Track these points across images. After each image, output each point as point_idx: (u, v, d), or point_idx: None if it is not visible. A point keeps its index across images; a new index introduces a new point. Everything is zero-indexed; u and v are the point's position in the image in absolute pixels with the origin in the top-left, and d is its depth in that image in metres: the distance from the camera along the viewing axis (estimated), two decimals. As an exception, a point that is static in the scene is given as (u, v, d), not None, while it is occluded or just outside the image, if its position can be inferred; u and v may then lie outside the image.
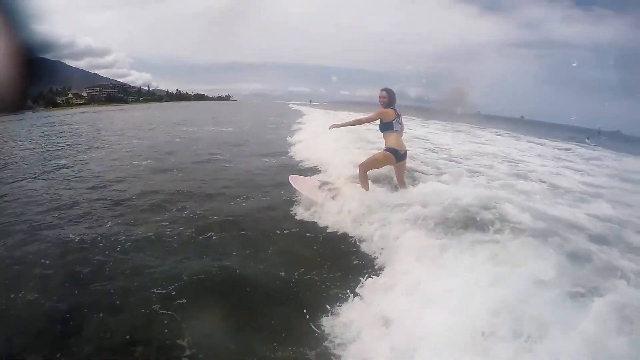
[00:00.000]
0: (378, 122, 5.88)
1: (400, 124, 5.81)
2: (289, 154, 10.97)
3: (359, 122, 5.89)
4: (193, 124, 24.96)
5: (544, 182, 8.43)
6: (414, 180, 6.83)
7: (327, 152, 9.67)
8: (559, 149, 19.90)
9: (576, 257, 3.87)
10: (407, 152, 5.94)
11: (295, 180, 6.32)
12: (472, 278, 3.16)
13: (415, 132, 17.61)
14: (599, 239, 4.71)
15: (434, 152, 11.24)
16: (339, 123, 6.34)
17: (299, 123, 22.24)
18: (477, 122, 48.87)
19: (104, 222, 5.59)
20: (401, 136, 5.78)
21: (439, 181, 6.80)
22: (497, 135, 24.72)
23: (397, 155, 5.75)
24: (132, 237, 5.02)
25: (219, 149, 12.59)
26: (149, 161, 10.25)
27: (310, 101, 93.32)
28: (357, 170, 6.06)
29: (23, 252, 4.51)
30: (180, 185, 7.47)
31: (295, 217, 5.71)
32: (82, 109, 74.14)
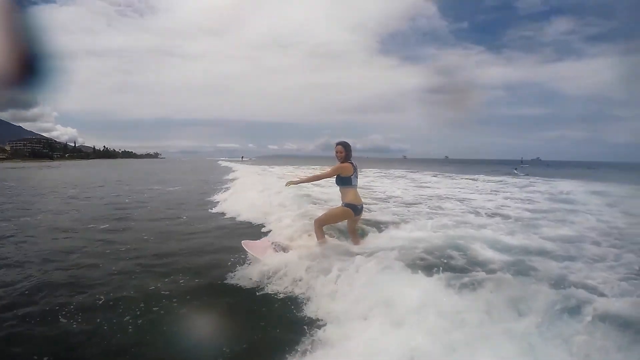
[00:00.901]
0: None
1: (357, 177, 5.94)
2: (231, 212, 10.77)
3: (317, 178, 6.07)
4: (137, 183, 23.97)
5: (496, 215, 9.12)
6: (378, 230, 7.05)
7: (269, 208, 9.73)
8: (493, 182, 21.77)
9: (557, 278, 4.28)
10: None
11: (248, 246, 6.18)
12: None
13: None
14: (566, 258, 5.25)
15: (385, 201, 11.77)
16: (296, 180, 6.42)
17: (232, 180, 22.39)
18: (407, 166, 52.49)
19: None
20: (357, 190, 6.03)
21: (400, 229, 7.09)
22: (433, 176, 26.39)
23: (355, 210, 5.82)
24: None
25: (178, 209, 12.22)
26: (107, 225, 9.55)
27: (242, 157, 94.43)
28: (302, 224, 6.24)
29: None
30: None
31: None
32: (5, 163, 67.75)
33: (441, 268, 4.50)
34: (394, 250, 5.12)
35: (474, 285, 3.99)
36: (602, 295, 3.97)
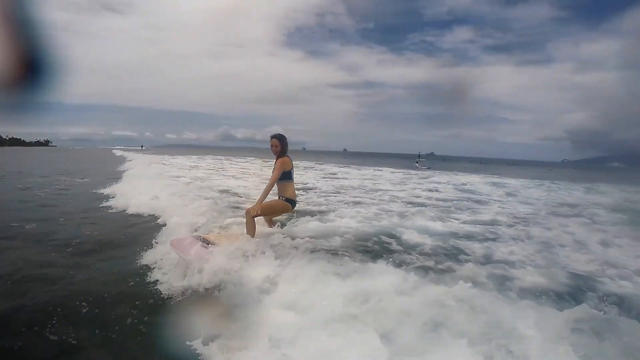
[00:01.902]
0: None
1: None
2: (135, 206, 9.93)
3: (271, 187, 5.76)
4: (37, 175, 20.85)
5: (412, 203, 9.96)
6: (309, 220, 7.19)
7: (175, 200, 9.29)
8: (399, 173, 23.47)
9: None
10: None
11: (176, 246, 5.80)
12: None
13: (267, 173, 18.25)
14: (487, 239, 6.09)
15: (304, 191, 12.02)
16: (258, 202, 5.92)
17: (133, 171, 20.47)
18: (308, 157, 53.92)
19: None
20: None
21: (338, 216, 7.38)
22: (342, 167, 27.47)
23: (293, 205, 5.93)
24: None
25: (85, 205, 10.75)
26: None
27: (142, 146, 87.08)
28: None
29: None
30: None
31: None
32: None
33: (381, 253, 4.95)
34: (331, 239, 5.43)
35: (407, 266, 4.47)
36: (521, 267, 4.77)
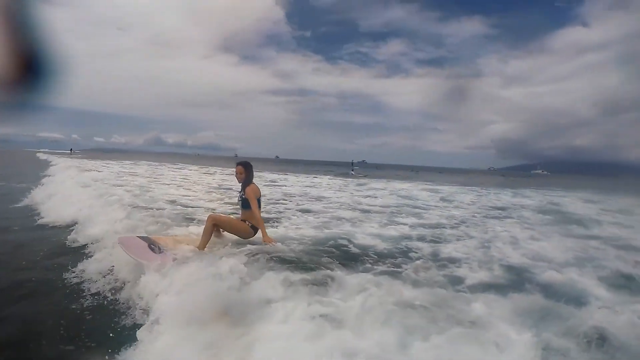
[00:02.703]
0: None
1: None
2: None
3: (259, 216, 5.84)
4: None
5: (357, 209, 10.65)
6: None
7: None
8: (339, 180, 24.40)
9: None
10: None
11: (126, 245, 5.52)
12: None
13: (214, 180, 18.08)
14: (434, 240, 6.91)
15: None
16: (264, 232, 5.79)
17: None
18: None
19: None
20: None
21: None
22: (277, 175, 27.90)
23: (255, 232, 5.93)
24: None
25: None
26: None
27: (71, 149, 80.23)
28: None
29: None
30: None
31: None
32: None
33: (342, 259, 5.37)
34: (291, 247, 5.74)
35: (367, 269, 4.99)
36: (466, 263, 5.51)
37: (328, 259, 5.22)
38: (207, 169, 32.54)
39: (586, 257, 6.22)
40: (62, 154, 58.60)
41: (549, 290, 4.45)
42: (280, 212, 9.57)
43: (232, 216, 6.55)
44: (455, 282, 4.65)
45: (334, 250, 5.84)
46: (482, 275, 4.99)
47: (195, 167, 34.20)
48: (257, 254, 5.02)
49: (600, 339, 3.13)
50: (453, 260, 5.61)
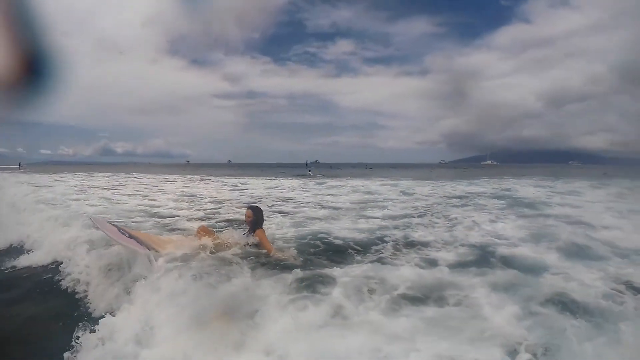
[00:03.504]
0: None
1: None
2: None
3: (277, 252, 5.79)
4: None
5: (326, 207, 11.23)
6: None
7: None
8: (297, 181, 25.04)
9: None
10: None
11: (98, 222, 5.88)
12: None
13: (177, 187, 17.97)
14: (405, 228, 7.66)
15: (219, 203, 12.59)
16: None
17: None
18: (197, 171, 52.98)
19: None
20: None
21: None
22: (237, 179, 28.09)
23: None
24: None
25: None
26: None
27: (20, 163, 73.78)
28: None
29: None
30: None
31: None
32: None
33: (330, 253, 5.96)
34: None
35: (352, 259, 5.64)
36: (436, 246, 6.31)
37: (316, 254, 5.78)
38: (164, 177, 32.19)
39: (539, 233, 7.09)
40: (10, 169, 55.24)
41: (511, 264, 5.25)
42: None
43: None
44: (431, 262, 5.32)
45: (320, 245, 6.37)
46: (452, 255, 5.74)
47: (151, 176, 33.62)
48: (251, 256, 5.44)
49: (558, 300, 3.83)
50: (425, 244, 6.36)
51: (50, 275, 6.25)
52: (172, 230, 7.95)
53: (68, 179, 28.37)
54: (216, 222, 8.86)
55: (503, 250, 5.99)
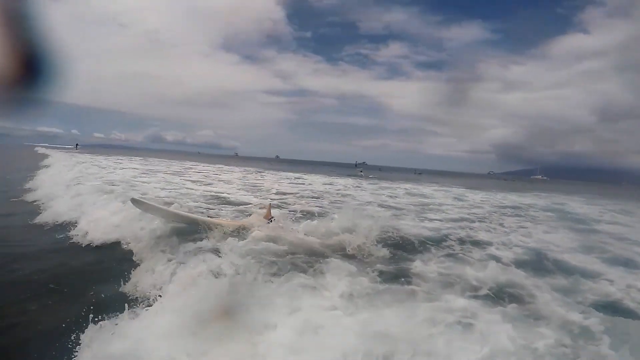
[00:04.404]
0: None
1: None
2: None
3: None
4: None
5: (387, 206, 12.13)
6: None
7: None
8: (352, 180, 26.09)
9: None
10: None
11: (145, 205, 7.30)
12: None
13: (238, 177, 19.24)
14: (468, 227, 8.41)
15: (284, 195, 13.97)
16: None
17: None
18: (241, 163, 54.29)
19: None
20: None
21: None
22: (292, 174, 29.34)
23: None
24: None
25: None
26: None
27: (77, 145, 78.16)
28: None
29: None
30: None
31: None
32: None
33: (398, 248, 6.85)
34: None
35: (428, 254, 6.59)
36: (496, 247, 7.10)
37: (395, 247, 6.62)
38: (218, 167, 34.17)
39: (590, 245, 7.80)
40: (68, 150, 57.53)
41: (564, 269, 6.03)
42: (325, 208, 11.15)
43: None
44: (496, 261, 6.09)
45: (396, 239, 7.16)
46: (512, 256, 6.62)
47: (205, 165, 35.75)
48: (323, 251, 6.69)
49: (604, 303, 4.66)
50: (487, 244, 7.28)
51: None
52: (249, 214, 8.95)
53: (128, 162, 30.60)
54: (289, 212, 9.86)
55: (557, 256, 6.76)
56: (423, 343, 3.37)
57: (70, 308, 4.64)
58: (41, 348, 3.90)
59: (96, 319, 3.85)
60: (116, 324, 3.82)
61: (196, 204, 10.41)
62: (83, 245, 7.22)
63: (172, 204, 8.58)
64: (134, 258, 6.33)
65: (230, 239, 6.30)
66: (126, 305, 4.11)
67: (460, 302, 4.27)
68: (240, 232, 6.76)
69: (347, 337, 3.40)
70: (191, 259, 5.48)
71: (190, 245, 6.03)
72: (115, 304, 4.39)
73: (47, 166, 22.31)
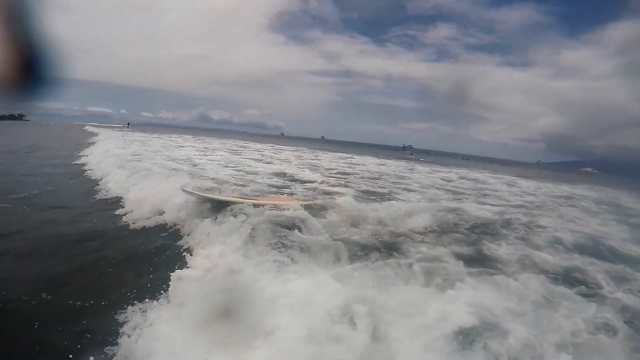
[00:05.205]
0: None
1: None
2: None
3: None
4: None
5: (445, 190, 12.97)
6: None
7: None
8: (404, 163, 26.77)
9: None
10: None
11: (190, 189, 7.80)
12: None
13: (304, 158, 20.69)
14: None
15: (352, 174, 14.92)
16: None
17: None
18: (289, 142, 54.83)
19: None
20: None
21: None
22: (347, 154, 30.03)
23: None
24: None
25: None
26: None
27: (128, 124, 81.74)
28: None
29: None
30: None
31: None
32: None
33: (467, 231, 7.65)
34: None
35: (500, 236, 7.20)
36: (557, 232, 7.51)
37: (464, 228, 7.25)
38: (269, 145, 35.53)
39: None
40: (120, 129, 57.82)
41: (620, 258, 6.48)
42: (390, 189, 11.95)
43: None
44: (558, 244, 6.75)
45: (463, 222, 7.69)
46: (574, 240, 7.14)
47: (257, 144, 36.83)
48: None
49: None
50: (548, 230, 7.75)
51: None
52: (325, 193, 9.73)
53: (182, 140, 31.30)
54: (356, 191, 10.55)
55: (613, 244, 7.22)
56: (512, 321, 3.74)
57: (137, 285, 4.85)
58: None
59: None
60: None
61: (270, 181, 11.27)
62: (152, 225, 7.34)
63: (216, 189, 8.82)
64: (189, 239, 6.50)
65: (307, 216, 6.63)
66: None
67: (534, 282, 4.73)
68: (284, 210, 6.96)
69: (455, 313, 3.77)
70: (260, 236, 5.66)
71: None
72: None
73: (101, 143, 22.44)
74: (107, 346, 3.59)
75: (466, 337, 3.47)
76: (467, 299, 4.06)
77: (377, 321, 3.61)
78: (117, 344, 3.62)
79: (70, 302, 4.40)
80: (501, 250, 6.10)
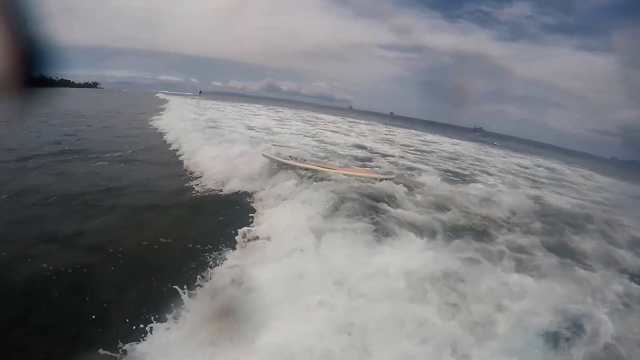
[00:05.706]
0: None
1: None
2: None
3: None
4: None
5: (523, 177, 13.28)
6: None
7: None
8: (477, 145, 26.93)
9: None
10: None
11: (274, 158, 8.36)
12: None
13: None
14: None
15: (429, 153, 15.57)
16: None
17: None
18: (359, 116, 54.47)
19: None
20: None
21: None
22: (420, 133, 30.63)
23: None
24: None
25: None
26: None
27: (200, 92, 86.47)
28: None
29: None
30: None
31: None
32: None
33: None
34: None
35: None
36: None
37: (545, 220, 7.20)
38: (342, 117, 36.49)
39: None
40: (192, 97, 61.12)
41: None
42: (472, 171, 12.41)
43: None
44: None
45: (544, 212, 7.92)
46: None
47: (329, 115, 38.05)
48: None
49: None
50: (627, 228, 7.81)
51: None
52: (408, 169, 10.43)
53: (256, 109, 32.42)
54: (438, 170, 10.99)
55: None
56: (592, 318, 3.64)
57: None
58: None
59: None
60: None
61: (352, 152, 12.06)
62: (236, 190, 7.74)
63: (293, 157, 9.27)
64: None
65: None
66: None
67: (616, 280, 4.71)
68: (357, 180, 7.44)
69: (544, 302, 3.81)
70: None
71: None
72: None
73: (177, 108, 24.53)
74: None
75: (548, 333, 3.43)
76: (551, 292, 4.07)
77: (467, 302, 3.64)
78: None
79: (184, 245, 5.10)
80: (585, 244, 6.07)
